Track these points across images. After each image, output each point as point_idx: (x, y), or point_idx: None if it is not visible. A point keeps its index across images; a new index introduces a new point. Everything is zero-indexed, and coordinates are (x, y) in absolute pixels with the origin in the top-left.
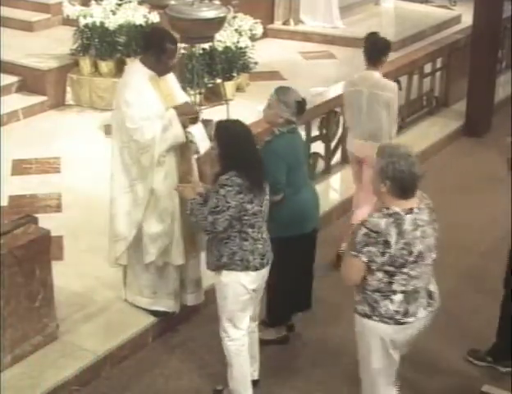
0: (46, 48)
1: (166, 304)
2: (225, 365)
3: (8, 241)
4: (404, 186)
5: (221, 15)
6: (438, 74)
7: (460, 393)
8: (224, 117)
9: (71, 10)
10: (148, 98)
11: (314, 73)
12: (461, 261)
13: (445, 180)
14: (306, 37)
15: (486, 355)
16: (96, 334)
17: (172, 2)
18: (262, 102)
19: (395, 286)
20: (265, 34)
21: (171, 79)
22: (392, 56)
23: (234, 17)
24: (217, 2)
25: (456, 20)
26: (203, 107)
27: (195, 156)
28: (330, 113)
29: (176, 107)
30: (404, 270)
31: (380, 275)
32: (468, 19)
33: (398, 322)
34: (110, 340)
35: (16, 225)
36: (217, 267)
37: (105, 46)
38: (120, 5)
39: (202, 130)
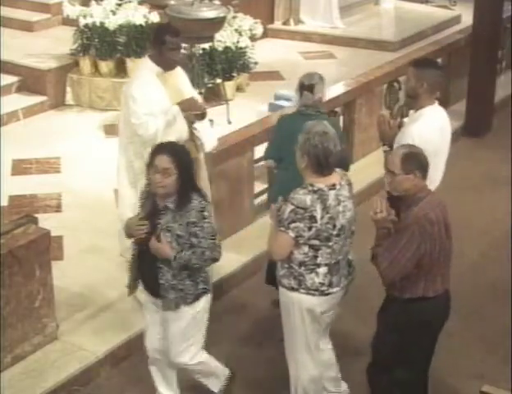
0: (46, 48)
1: None
2: (224, 364)
3: (8, 241)
4: (318, 161)
5: (221, 15)
6: None
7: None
8: (224, 117)
9: (71, 10)
10: (154, 94)
11: None
12: (461, 261)
13: (445, 180)
14: (306, 37)
15: None
16: (96, 334)
17: (172, 2)
18: (263, 102)
19: (319, 260)
20: (265, 34)
21: (179, 74)
22: (392, 56)
23: (234, 17)
24: (217, 2)
25: (456, 20)
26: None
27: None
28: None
29: (180, 103)
30: (329, 243)
31: (306, 249)
32: (468, 19)
33: (324, 294)
34: (110, 340)
35: (16, 225)
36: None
37: (105, 46)
38: (120, 5)
39: (208, 128)
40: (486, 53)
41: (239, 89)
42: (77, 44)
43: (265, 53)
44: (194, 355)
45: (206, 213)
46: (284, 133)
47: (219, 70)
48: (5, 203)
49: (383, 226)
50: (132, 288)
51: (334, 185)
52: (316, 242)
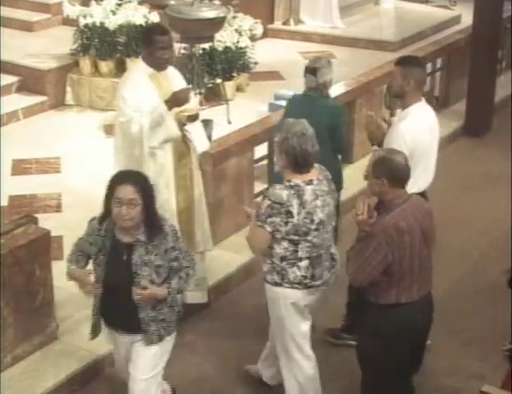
0: (46, 48)
1: None
2: (224, 364)
3: (8, 241)
4: (297, 161)
5: (221, 15)
6: (438, 74)
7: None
8: (224, 117)
9: (71, 10)
10: (146, 95)
11: None
12: (461, 260)
13: (445, 180)
14: (306, 37)
15: (342, 332)
16: None
17: (172, 2)
18: (263, 102)
19: (300, 254)
20: (265, 34)
21: (173, 75)
22: (392, 56)
23: (234, 17)
24: (217, 2)
25: (456, 20)
26: (203, 107)
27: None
28: None
29: (170, 96)
30: (308, 238)
31: (285, 244)
32: (468, 19)
33: (307, 287)
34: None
35: (16, 225)
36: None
37: (105, 46)
38: (120, 5)
39: (201, 130)
40: (486, 53)
41: (239, 89)
42: (77, 44)
43: (265, 53)
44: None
45: (178, 233)
46: (289, 113)
47: (219, 70)
48: (5, 203)
49: (363, 228)
50: (96, 332)
51: (311, 180)
52: (294, 237)
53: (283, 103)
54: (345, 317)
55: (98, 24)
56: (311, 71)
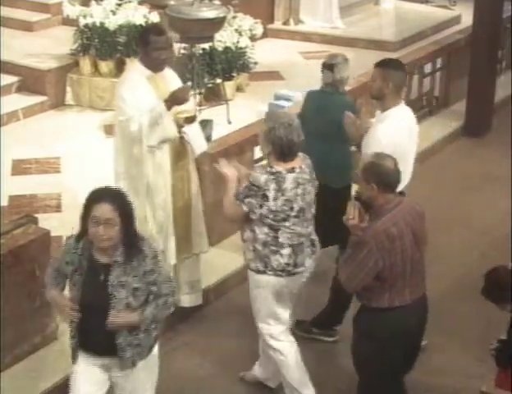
0: (46, 48)
1: None
2: (224, 364)
3: (8, 241)
4: (282, 151)
5: (221, 15)
6: (438, 74)
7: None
8: (224, 117)
9: (71, 10)
10: (143, 95)
11: (314, 73)
12: (461, 260)
13: (445, 180)
14: (306, 37)
15: (312, 326)
16: None
17: (172, 2)
18: (262, 102)
19: (281, 240)
20: (265, 34)
21: (170, 77)
22: (392, 56)
23: (234, 17)
24: (217, 2)
25: (456, 20)
26: (203, 107)
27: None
28: None
29: (169, 96)
30: (287, 224)
31: (266, 229)
32: (468, 19)
33: (290, 274)
34: None
35: (16, 225)
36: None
37: (105, 46)
38: (120, 5)
39: (198, 131)
40: (486, 53)
41: (239, 89)
42: (77, 44)
43: (265, 53)
44: None
45: (160, 258)
46: (305, 108)
47: (219, 70)
48: (5, 203)
49: (355, 233)
50: (78, 356)
51: (293, 168)
52: (273, 222)
53: (283, 102)
54: (321, 312)
55: (98, 24)
56: (328, 67)
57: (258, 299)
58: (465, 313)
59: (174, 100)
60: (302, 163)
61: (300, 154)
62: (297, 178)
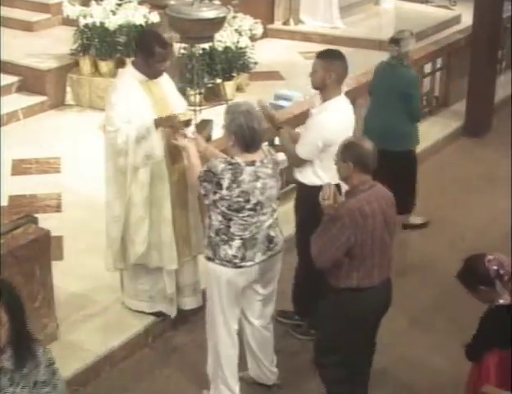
0: (46, 48)
1: (163, 308)
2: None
3: (8, 241)
4: (245, 140)
5: (221, 15)
6: (438, 74)
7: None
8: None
9: (71, 10)
10: (135, 102)
11: None
12: (461, 261)
13: (445, 180)
14: (306, 37)
15: (294, 314)
16: (96, 334)
17: (172, 2)
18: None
19: (232, 230)
20: (265, 34)
21: (165, 82)
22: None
23: (234, 17)
24: (217, 2)
25: (456, 20)
26: (203, 107)
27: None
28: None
29: (157, 119)
30: (240, 215)
31: (220, 217)
32: (468, 19)
33: (236, 266)
34: (110, 340)
35: (16, 225)
36: None
37: (105, 46)
38: (120, 5)
39: (195, 135)
40: (486, 53)
41: (239, 89)
42: (77, 44)
43: (265, 53)
44: None
45: (55, 367)
46: (374, 79)
47: (219, 70)
48: (5, 203)
49: (328, 212)
50: None
51: (253, 161)
52: (226, 211)
53: (283, 102)
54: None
55: (98, 24)
56: (394, 41)
57: (209, 286)
58: (465, 313)
59: (160, 124)
60: (265, 158)
61: (265, 148)
62: (256, 171)
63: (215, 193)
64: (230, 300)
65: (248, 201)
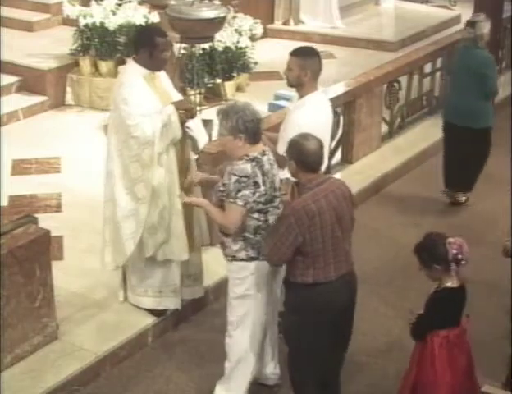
0: (46, 48)
1: (171, 302)
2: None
3: (8, 241)
4: (255, 132)
5: (221, 15)
6: (438, 74)
7: None
8: None
9: (71, 10)
10: (145, 96)
11: None
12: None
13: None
14: (306, 37)
15: None
16: (96, 334)
17: (172, 2)
18: (263, 102)
19: (271, 221)
20: (265, 34)
21: (163, 77)
22: (392, 56)
23: (234, 17)
24: (217, 2)
25: (456, 20)
26: (203, 107)
27: (195, 156)
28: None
29: (173, 104)
30: (274, 204)
31: (256, 215)
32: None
33: None
34: (110, 340)
35: (16, 225)
36: None
37: (105, 46)
38: (120, 5)
39: (200, 125)
40: None
41: (239, 89)
42: (77, 44)
43: (265, 53)
44: None
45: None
46: (453, 60)
47: (219, 70)
48: (5, 203)
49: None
50: None
51: (264, 151)
52: (263, 207)
53: (283, 102)
54: None
55: (98, 24)
56: (470, 24)
57: (243, 288)
58: (464, 313)
59: (178, 108)
60: (265, 146)
61: (262, 136)
62: (269, 159)
63: (254, 193)
64: (266, 293)
65: (274, 189)
